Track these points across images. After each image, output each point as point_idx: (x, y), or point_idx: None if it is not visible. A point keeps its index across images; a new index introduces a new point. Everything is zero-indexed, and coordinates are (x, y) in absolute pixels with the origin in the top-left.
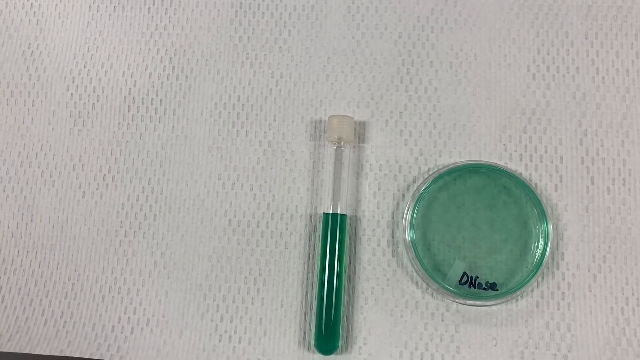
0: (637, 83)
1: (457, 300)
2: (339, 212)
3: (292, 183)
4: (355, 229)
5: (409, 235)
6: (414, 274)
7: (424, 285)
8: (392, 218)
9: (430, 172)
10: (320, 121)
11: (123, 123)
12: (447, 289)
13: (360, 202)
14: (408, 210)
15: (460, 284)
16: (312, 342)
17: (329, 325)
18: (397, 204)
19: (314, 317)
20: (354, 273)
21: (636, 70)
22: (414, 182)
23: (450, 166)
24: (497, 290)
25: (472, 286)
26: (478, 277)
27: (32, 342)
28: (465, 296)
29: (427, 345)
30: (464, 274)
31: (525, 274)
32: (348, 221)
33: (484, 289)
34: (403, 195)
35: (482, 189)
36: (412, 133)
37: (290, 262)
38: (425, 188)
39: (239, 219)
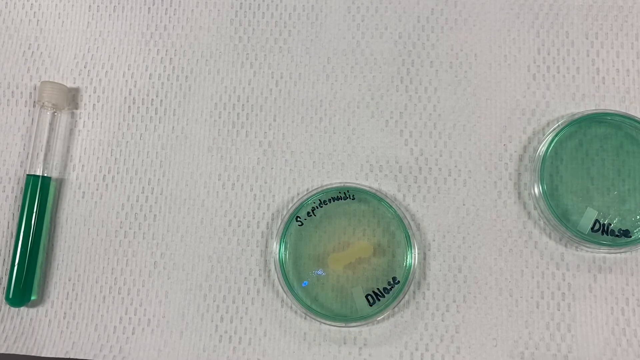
0: (637, 84)
1: (590, 248)
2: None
3: (292, 183)
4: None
5: (540, 187)
6: (545, 225)
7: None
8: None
9: (553, 127)
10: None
11: (123, 123)
12: (582, 237)
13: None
14: (537, 163)
15: (592, 232)
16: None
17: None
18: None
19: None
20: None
21: (636, 71)
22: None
23: (576, 116)
24: (631, 237)
25: (604, 233)
26: (611, 224)
27: (38, 344)
28: (599, 243)
29: (427, 345)
30: (596, 221)
31: None
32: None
33: (617, 235)
34: (404, 195)
35: (607, 139)
36: (412, 133)
37: None
38: (551, 140)
39: (239, 219)
